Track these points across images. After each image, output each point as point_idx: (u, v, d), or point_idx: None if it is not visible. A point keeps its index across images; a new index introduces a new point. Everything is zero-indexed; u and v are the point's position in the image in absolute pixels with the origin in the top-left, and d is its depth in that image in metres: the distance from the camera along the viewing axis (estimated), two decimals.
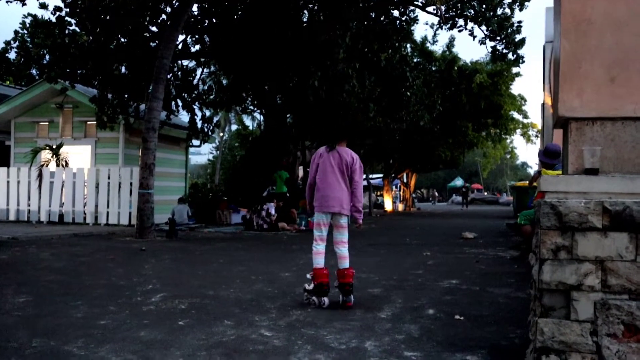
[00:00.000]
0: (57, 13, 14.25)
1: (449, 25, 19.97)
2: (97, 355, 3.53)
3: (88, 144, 16.99)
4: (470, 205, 46.72)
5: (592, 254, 2.85)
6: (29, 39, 16.33)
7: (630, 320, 2.78)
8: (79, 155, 16.80)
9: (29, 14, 16.39)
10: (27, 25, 16.68)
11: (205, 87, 19.48)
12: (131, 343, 3.78)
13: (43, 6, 14.32)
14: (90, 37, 14.80)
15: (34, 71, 18.14)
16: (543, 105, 19.22)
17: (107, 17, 14.47)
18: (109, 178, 15.38)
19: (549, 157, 7.88)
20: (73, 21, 14.55)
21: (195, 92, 17.90)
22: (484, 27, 18.89)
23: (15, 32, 16.69)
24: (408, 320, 4.54)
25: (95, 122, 15.74)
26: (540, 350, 2.88)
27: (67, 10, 14.22)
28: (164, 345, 3.73)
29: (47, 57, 14.95)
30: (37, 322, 4.35)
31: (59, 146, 16.04)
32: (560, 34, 3.15)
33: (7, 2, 12.93)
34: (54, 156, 15.92)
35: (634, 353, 2.77)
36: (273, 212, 15.32)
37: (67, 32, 14.59)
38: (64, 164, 15.97)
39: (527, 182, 17.48)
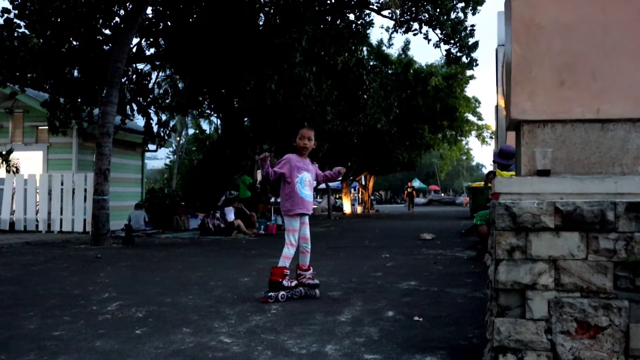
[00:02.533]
0: (5, 15, 13.85)
1: (404, 28, 20.32)
2: None
3: (40, 150, 16.54)
4: (428, 207, 47.28)
5: (546, 254, 2.92)
6: None
7: (582, 317, 2.85)
8: (30, 161, 16.35)
9: None
10: None
11: (161, 91, 19.20)
12: (86, 354, 3.69)
13: None
14: (41, 40, 14.43)
15: None
16: (497, 107, 19.67)
17: (58, 20, 14.14)
18: (62, 184, 15.02)
19: (504, 158, 8.08)
20: (22, 24, 14.16)
21: (151, 96, 17.63)
22: (438, 31, 19.28)
23: None
24: (368, 322, 4.56)
25: (47, 127, 15.33)
26: (498, 350, 2.92)
27: (16, 12, 13.83)
28: (121, 355, 3.65)
29: None
30: None
31: (9, 152, 15.58)
32: (511, 38, 3.21)
33: None
34: (4, 162, 15.44)
35: (587, 349, 2.84)
36: (232, 216, 15.19)
37: (16, 34, 14.18)
38: (15, 170, 15.52)
39: (483, 182, 17.81)
